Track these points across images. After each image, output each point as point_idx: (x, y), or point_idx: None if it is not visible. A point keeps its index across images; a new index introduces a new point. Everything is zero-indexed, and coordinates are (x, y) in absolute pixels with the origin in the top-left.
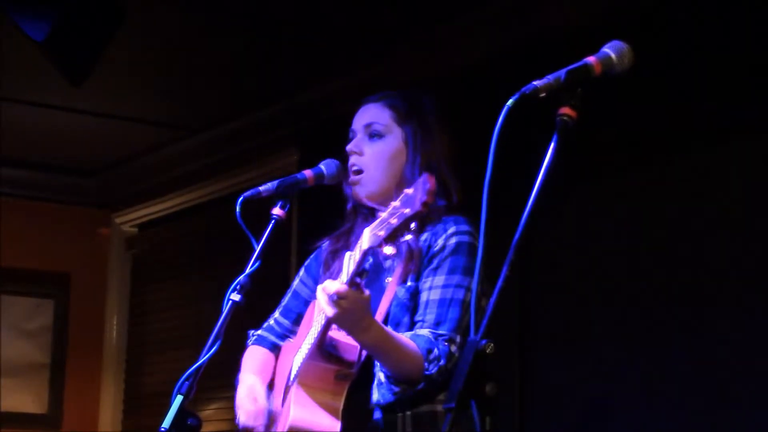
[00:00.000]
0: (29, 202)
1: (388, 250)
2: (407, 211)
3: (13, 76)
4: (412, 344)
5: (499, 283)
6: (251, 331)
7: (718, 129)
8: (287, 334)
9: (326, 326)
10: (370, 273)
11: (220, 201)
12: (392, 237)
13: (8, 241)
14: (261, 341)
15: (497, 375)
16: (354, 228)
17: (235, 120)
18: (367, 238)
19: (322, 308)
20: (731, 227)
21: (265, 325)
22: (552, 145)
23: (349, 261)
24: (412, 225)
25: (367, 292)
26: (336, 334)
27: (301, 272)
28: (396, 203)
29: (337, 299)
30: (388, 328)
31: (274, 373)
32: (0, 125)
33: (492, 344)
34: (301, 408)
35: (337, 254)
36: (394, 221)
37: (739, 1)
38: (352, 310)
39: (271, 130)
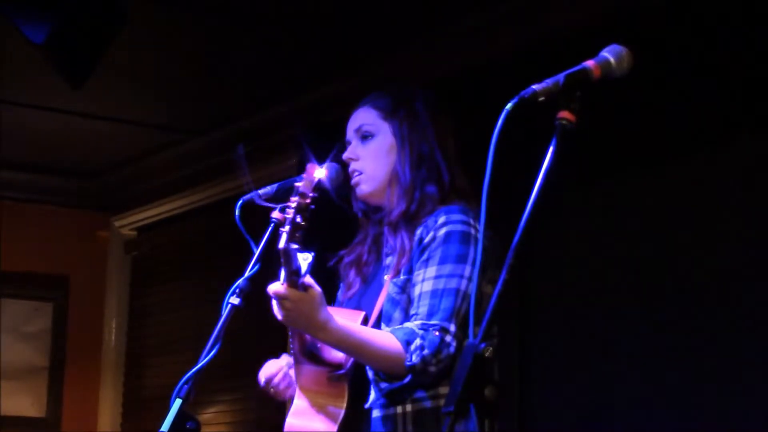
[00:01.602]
0: (28, 205)
1: (296, 245)
2: (293, 204)
3: (12, 79)
4: (387, 337)
5: (498, 286)
6: None
7: (718, 129)
8: None
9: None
10: (371, 270)
11: (220, 204)
12: (293, 232)
13: (8, 243)
14: None
15: (496, 378)
16: (366, 238)
17: (234, 123)
18: (282, 237)
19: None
20: (732, 228)
21: None
22: (551, 149)
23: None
24: (298, 218)
25: (316, 289)
26: None
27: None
28: (294, 197)
29: (278, 300)
30: (352, 325)
31: None
32: None
33: (491, 348)
34: (296, 417)
35: (350, 266)
36: (290, 215)
37: (738, 2)
38: (297, 310)
39: (271, 134)
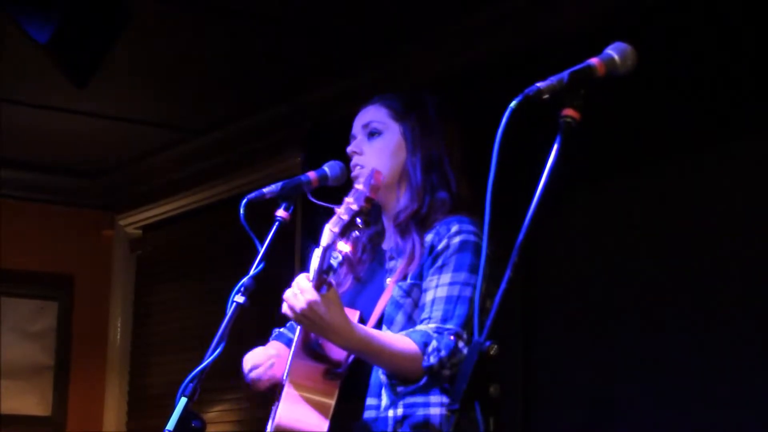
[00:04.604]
0: (33, 204)
1: (344, 247)
2: (354, 206)
3: (16, 78)
4: (404, 341)
5: (503, 284)
6: (275, 329)
7: (719, 129)
8: None
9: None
10: (370, 273)
11: (224, 203)
12: (344, 233)
13: (12, 242)
14: (279, 337)
15: (501, 376)
16: (361, 235)
17: (238, 122)
18: (325, 235)
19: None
20: (732, 226)
21: (287, 324)
22: (555, 147)
23: (314, 258)
24: (358, 220)
25: (335, 290)
26: None
27: None
28: (349, 198)
29: (298, 294)
30: (371, 330)
31: None
32: (3, 127)
33: (496, 345)
34: (288, 407)
35: (343, 262)
36: (345, 217)
37: (739, 1)
38: (312, 312)
39: (275, 132)
